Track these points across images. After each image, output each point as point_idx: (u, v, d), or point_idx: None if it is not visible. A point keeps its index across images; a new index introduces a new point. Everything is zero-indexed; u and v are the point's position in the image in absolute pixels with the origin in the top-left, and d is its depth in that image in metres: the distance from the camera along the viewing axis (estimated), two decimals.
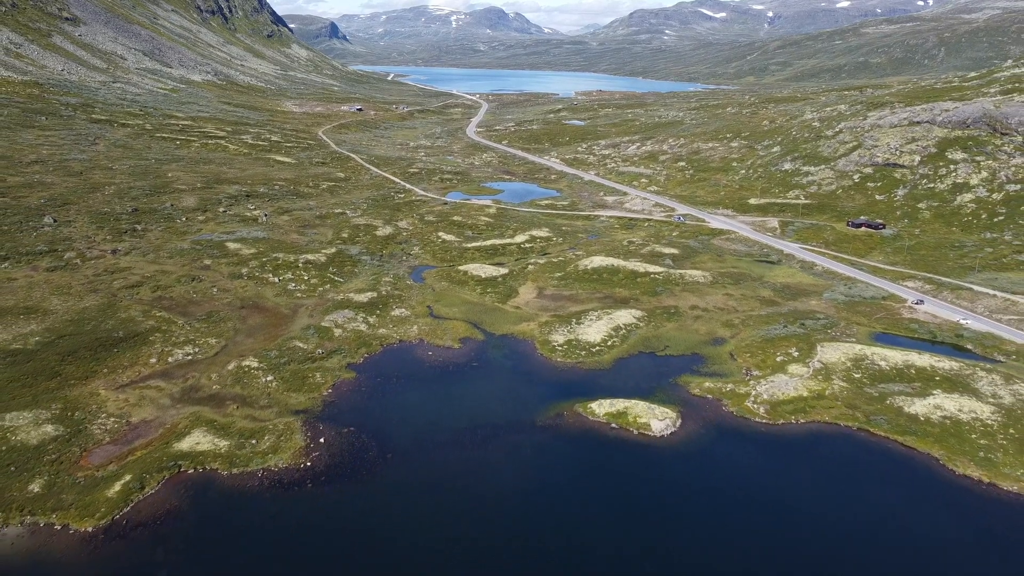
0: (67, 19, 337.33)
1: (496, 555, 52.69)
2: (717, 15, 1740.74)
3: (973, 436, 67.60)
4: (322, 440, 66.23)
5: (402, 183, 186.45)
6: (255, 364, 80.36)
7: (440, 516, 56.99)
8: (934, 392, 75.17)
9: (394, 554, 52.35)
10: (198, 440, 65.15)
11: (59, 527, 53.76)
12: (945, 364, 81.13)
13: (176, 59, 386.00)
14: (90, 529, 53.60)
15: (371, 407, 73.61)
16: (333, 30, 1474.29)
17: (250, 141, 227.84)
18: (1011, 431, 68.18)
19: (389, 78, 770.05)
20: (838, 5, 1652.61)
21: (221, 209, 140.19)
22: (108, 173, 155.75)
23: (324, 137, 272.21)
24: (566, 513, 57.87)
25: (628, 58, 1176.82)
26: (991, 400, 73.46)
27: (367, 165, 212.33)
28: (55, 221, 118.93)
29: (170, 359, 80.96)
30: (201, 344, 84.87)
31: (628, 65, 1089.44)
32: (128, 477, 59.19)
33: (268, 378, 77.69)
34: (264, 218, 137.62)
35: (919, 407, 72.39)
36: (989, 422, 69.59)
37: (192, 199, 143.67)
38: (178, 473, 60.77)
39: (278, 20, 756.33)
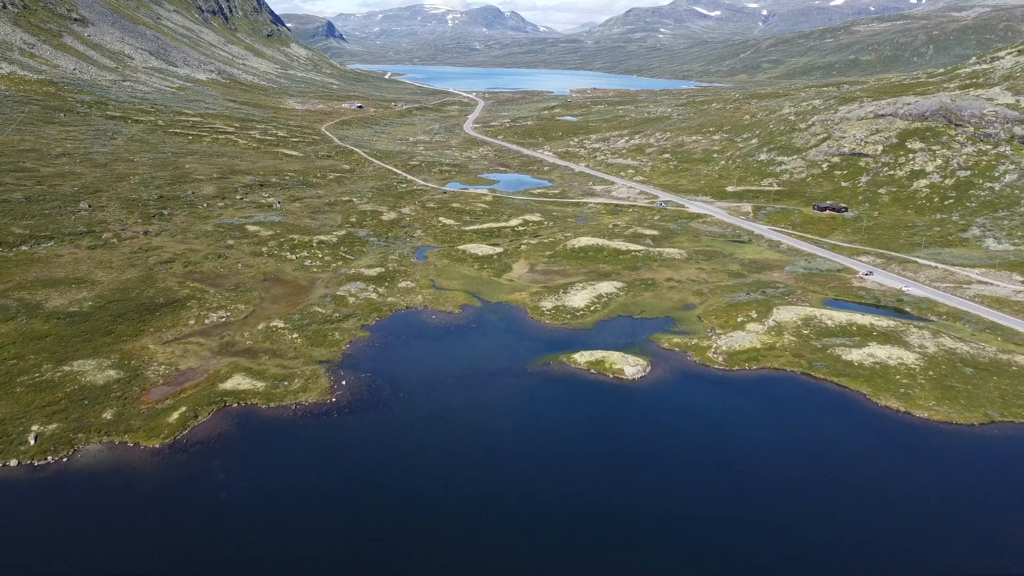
0: (76, 20, 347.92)
1: (491, 472, 63.77)
2: (712, 13, 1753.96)
3: (897, 377, 79.52)
4: (344, 383, 77.75)
5: (404, 174, 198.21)
6: (281, 325, 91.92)
7: (444, 440, 68.45)
8: (870, 344, 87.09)
9: (405, 469, 63.48)
10: (239, 382, 76.58)
11: (131, 444, 65.13)
12: (883, 323, 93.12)
13: (181, 58, 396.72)
14: (157, 446, 65.02)
15: (384, 358, 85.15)
16: (330, 29, 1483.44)
17: (258, 136, 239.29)
18: (930, 373, 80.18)
19: (386, 77, 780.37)
20: (832, 3, 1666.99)
21: (238, 196, 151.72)
22: (130, 165, 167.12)
23: (327, 133, 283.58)
24: (550, 439, 69.34)
25: (623, 56, 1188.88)
26: (917, 350, 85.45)
27: (370, 158, 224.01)
28: (90, 206, 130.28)
29: (206, 321, 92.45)
30: (232, 309, 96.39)
31: (623, 63, 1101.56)
32: (183, 408, 70.59)
33: (294, 336, 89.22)
34: (278, 205, 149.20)
35: (855, 355, 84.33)
36: (912, 366, 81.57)
37: (210, 188, 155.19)
38: (224, 406, 72.15)
39: (277, 20, 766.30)
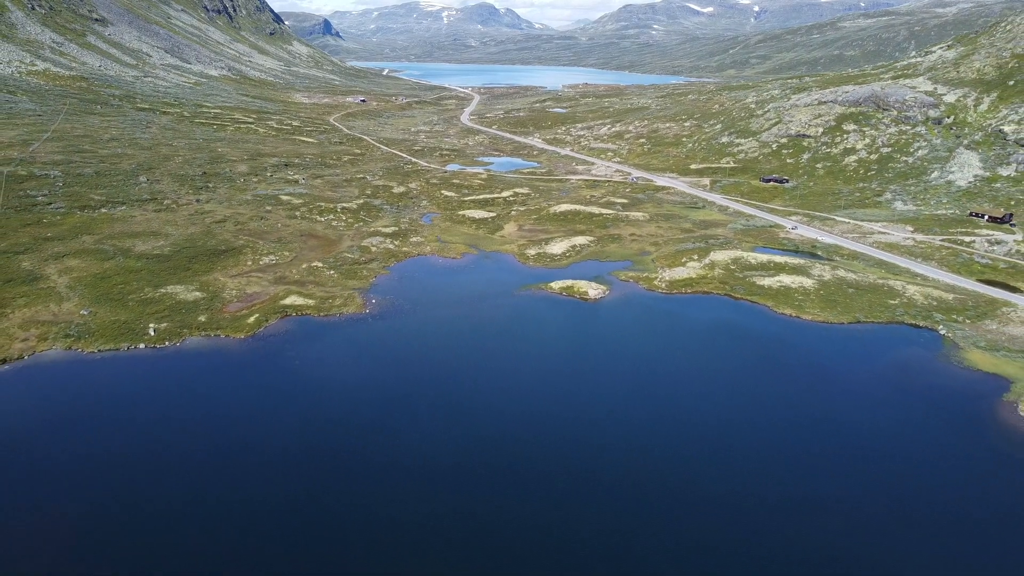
0: (96, 20, 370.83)
1: (484, 356, 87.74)
2: (704, 10, 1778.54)
3: (795, 295, 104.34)
4: (374, 301, 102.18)
5: (408, 157, 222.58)
6: (320, 265, 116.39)
7: (450, 335, 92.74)
8: (780, 275, 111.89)
9: (420, 353, 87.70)
10: (295, 300, 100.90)
11: (224, 336, 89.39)
12: (795, 261, 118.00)
13: (193, 56, 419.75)
14: (242, 337, 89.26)
15: (403, 287, 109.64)
16: (326, 27, 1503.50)
17: (275, 125, 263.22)
18: (821, 292, 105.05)
19: (384, 73, 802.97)
20: None
21: (268, 174, 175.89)
22: (171, 148, 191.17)
23: (336, 123, 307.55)
24: (529, 335, 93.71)
25: (616, 53, 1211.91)
26: (816, 278, 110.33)
27: (377, 144, 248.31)
28: (147, 180, 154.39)
29: (261, 262, 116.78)
30: (279, 255, 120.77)
31: (616, 59, 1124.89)
32: (257, 315, 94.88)
33: (331, 272, 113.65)
34: (303, 180, 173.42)
35: (767, 281, 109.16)
36: (808, 288, 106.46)
37: (244, 167, 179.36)
38: (287, 315, 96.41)
39: (278, 19, 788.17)
